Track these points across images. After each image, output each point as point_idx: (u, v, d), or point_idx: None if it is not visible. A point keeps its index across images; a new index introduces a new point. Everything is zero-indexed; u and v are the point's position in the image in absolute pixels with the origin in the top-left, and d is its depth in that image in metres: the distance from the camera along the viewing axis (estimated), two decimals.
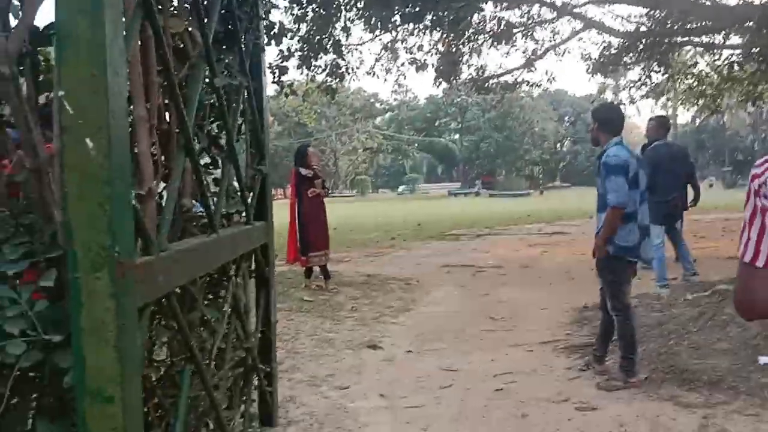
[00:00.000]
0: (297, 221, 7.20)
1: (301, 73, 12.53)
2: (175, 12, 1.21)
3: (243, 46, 1.44)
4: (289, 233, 7.43)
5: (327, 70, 12.36)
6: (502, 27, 12.14)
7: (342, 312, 6.21)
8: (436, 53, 12.69)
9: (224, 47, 1.37)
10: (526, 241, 13.18)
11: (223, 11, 1.33)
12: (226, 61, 1.36)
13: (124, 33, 0.76)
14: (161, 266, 0.84)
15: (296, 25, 11.11)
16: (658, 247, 6.51)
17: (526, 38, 13.07)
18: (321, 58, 11.74)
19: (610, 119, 3.96)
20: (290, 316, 5.95)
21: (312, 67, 11.82)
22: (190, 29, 1.21)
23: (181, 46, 1.25)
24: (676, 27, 10.99)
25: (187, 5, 1.21)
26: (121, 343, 0.72)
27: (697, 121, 42.50)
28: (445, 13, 9.86)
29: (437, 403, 3.70)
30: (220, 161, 1.43)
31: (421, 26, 11.15)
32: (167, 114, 1.14)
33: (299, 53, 11.30)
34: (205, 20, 1.16)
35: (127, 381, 0.73)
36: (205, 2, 1.20)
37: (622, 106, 14.21)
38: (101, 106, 0.70)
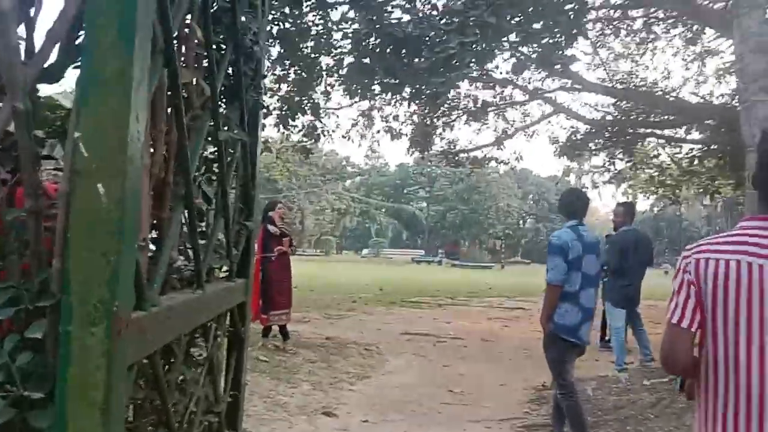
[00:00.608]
0: (261, 278, 7.06)
1: (278, 131, 12.67)
2: (184, 63, 1.21)
3: (245, 101, 1.45)
4: (252, 289, 7.26)
5: (303, 131, 12.54)
6: (476, 105, 12.61)
7: (298, 375, 6.01)
8: (411, 124, 13.05)
9: (225, 101, 1.37)
10: (487, 314, 13.19)
11: (229, 66, 1.34)
12: (227, 115, 1.36)
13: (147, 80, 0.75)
14: (152, 322, 0.80)
15: (277, 85, 11.32)
16: (618, 330, 6.60)
17: (498, 117, 13.61)
18: (298, 118, 11.92)
19: (567, 203, 4.20)
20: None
21: (289, 126, 11.97)
22: (197, 81, 1.21)
23: (185, 97, 1.24)
24: (640, 119, 11.60)
25: (196, 55, 1.21)
26: (107, 404, 0.66)
27: (656, 209, 44.21)
28: (424, 87, 10.19)
29: None
30: (207, 214, 1.40)
31: (399, 97, 11.48)
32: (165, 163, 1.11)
33: (277, 112, 11.46)
34: (215, 73, 1.17)
35: None
36: (215, 57, 1.21)
37: (585, 190, 14.72)
38: (119, 152, 0.68)
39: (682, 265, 1.55)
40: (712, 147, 10.49)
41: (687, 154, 12.83)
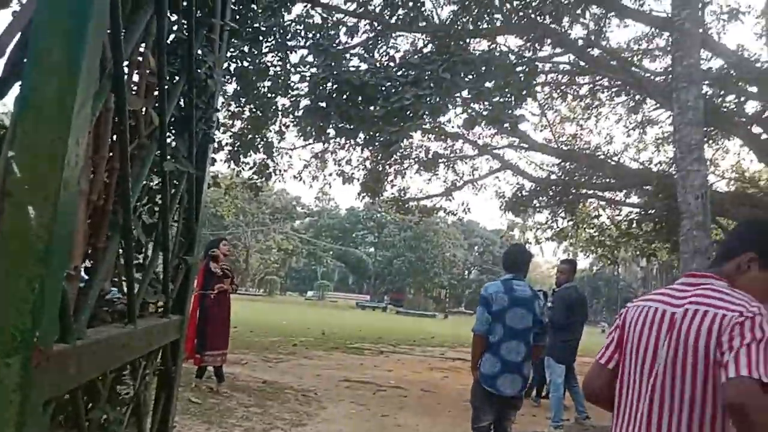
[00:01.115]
0: (198, 316, 6.83)
1: (228, 167, 12.53)
2: (135, 90, 1.19)
3: (195, 133, 1.42)
4: (188, 327, 7.00)
5: (255, 168, 12.45)
6: (428, 155, 12.88)
7: (231, 419, 5.77)
8: (363, 169, 13.17)
9: (175, 132, 1.35)
10: (429, 363, 13.12)
11: (181, 97, 1.32)
12: (175, 146, 1.33)
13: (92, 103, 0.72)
14: (75, 356, 0.75)
15: (231, 121, 11.26)
16: (558, 386, 6.67)
17: (447, 169, 13.91)
18: (250, 155, 11.85)
19: (506, 258, 4.42)
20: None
21: (240, 164, 11.87)
22: (146, 109, 1.19)
23: (132, 124, 1.22)
24: (583, 180, 12.09)
25: (147, 83, 1.19)
26: None
27: (595, 268, 45.65)
28: (378, 134, 10.36)
29: None
30: (146, 246, 1.35)
31: (353, 142, 11.61)
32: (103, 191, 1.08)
33: (229, 148, 11.37)
34: (165, 102, 1.15)
35: None
36: (166, 87, 1.19)
37: (528, 245, 15.07)
38: (54, 175, 0.64)
39: (618, 321, 1.81)
40: (649, 211, 10.99)
41: (626, 216, 13.39)
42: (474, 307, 4.62)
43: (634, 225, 12.09)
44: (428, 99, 8.35)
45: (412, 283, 63.56)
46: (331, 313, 33.99)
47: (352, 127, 10.49)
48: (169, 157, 1.29)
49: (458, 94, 9.28)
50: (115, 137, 1.02)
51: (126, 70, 0.84)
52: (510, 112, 9.21)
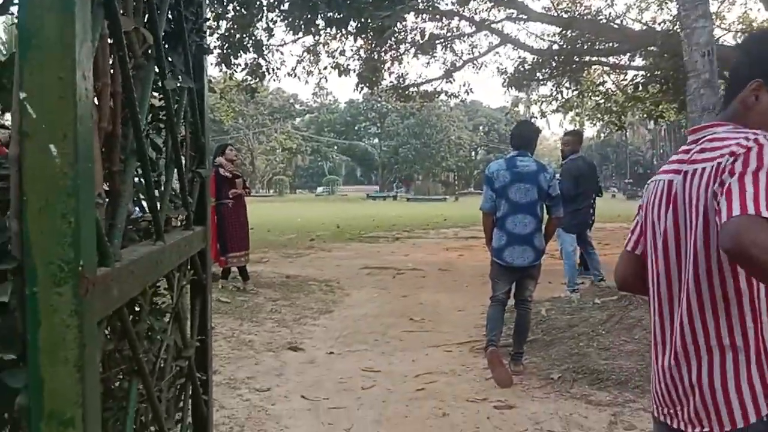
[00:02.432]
0: (217, 222, 7.00)
1: (220, 71, 12.23)
2: (123, 11, 1.16)
3: (189, 46, 1.40)
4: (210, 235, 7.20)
5: (247, 69, 12.15)
6: (424, 38, 12.42)
7: (261, 314, 6.10)
8: (358, 59, 12.79)
9: (168, 47, 1.33)
10: (444, 244, 13.52)
11: (169, 11, 1.29)
12: (171, 62, 1.32)
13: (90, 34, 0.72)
14: (117, 278, 0.81)
15: (216, 23, 10.82)
16: (569, 254, 6.90)
17: (445, 50, 13.46)
18: (241, 56, 11.52)
19: (512, 135, 4.55)
20: None
21: (231, 66, 11.58)
22: (137, 28, 1.17)
23: (127, 45, 1.20)
24: (586, 47, 11.69)
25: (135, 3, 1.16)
26: (81, 362, 0.68)
27: (602, 135, 45.33)
28: (369, 20, 9.95)
29: (360, 404, 3.74)
30: (158, 164, 1.38)
31: (345, 31, 11.19)
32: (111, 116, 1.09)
33: (218, 51, 11.03)
34: (155, 19, 1.13)
35: (87, 401, 0.69)
36: (155, 2, 1.16)
37: (533, 119, 14.90)
38: (68, 112, 0.66)
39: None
40: (655, 73, 10.71)
41: (631, 80, 13.09)
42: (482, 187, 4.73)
43: (640, 88, 11.85)
44: None
45: (420, 170, 63.79)
46: (343, 207, 34.53)
47: (341, 15, 10.07)
48: (168, 73, 1.28)
49: None
50: (112, 62, 1.02)
51: None
52: None
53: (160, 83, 1.17)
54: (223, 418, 3.48)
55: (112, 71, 1.05)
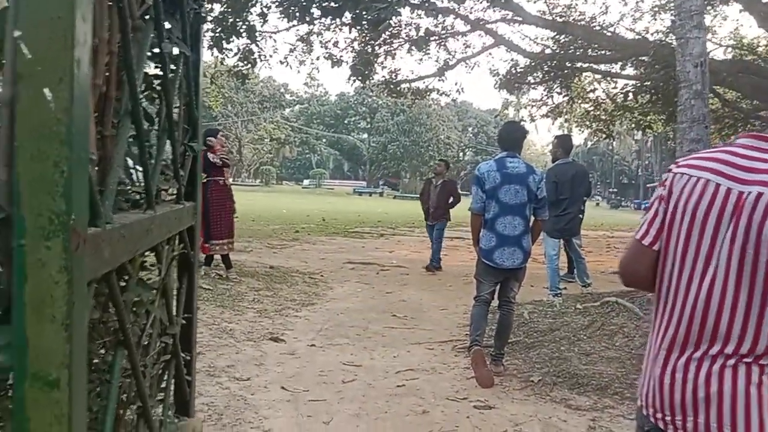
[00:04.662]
0: (202, 207, 6.89)
1: (212, 55, 12.09)
2: None
3: (186, 13, 1.36)
4: None
5: (239, 55, 12.01)
6: (418, 33, 12.39)
7: (243, 303, 6.03)
8: (352, 51, 12.71)
9: (165, 12, 1.28)
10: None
11: None
12: (169, 28, 1.27)
13: None
14: (108, 240, 0.77)
15: (210, 5, 10.68)
16: (552, 258, 6.91)
17: (439, 47, 13.43)
18: (233, 41, 11.39)
19: (500, 136, 4.52)
20: None
21: (223, 50, 11.45)
22: None
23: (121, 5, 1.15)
24: (578, 53, 11.75)
25: None
26: (69, 320, 0.64)
27: (589, 144, 45.73)
28: (365, 12, 9.89)
29: (340, 398, 3.70)
30: (149, 134, 1.33)
31: (339, 22, 11.12)
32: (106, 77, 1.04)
33: (211, 34, 10.90)
34: None
35: (74, 363, 0.65)
36: None
37: (522, 123, 14.94)
38: (66, 54, 0.62)
39: (663, 178, 1.49)
40: (645, 83, 10.79)
41: (622, 89, 13.17)
42: (470, 188, 4.69)
43: (630, 97, 11.94)
44: None
45: (407, 167, 63.81)
46: (329, 201, 34.44)
47: (337, 5, 10.00)
48: (165, 39, 1.24)
49: None
50: (110, 20, 0.97)
51: None
52: None
53: (156, 49, 1.13)
54: (202, 405, 3.42)
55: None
